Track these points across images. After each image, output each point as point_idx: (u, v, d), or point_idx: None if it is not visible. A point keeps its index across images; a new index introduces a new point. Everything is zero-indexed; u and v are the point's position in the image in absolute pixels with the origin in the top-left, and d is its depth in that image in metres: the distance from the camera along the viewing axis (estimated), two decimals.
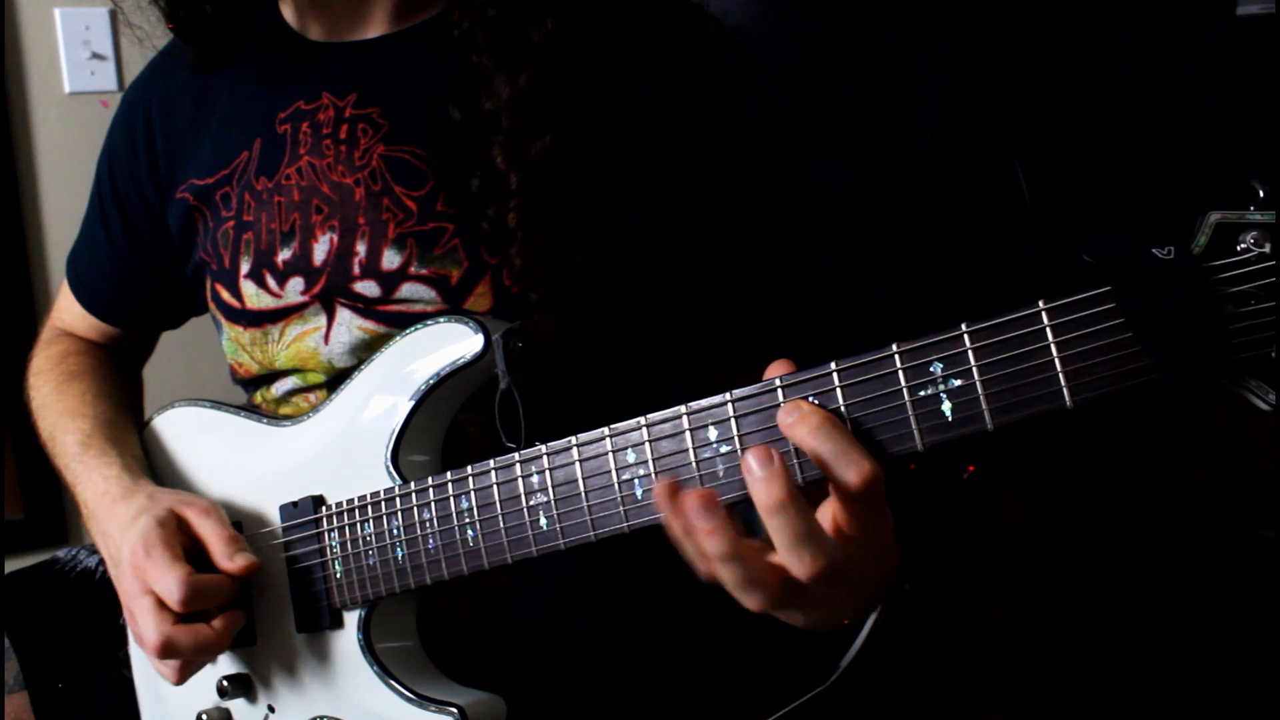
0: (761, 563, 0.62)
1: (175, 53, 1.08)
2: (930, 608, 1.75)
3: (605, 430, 0.71)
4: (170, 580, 0.84)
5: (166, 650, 0.86)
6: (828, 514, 0.63)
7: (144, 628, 0.87)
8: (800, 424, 0.61)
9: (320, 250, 0.93)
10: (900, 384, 0.61)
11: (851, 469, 0.60)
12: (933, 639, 1.78)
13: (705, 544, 0.61)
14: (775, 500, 0.60)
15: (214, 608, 0.87)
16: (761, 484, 0.60)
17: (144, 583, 0.87)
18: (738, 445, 0.65)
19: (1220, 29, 1.57)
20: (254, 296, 0.97)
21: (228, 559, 0.87)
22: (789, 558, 0.60)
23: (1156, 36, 1.64)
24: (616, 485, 0.71)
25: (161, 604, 0.87)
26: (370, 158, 0.92)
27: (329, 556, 0.88)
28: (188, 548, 0.89)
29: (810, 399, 0.63)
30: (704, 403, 0.67)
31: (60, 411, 1.08)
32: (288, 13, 1.02)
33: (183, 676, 0.89)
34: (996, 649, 1.78)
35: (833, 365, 0.63)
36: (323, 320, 0.94)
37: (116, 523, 0.93)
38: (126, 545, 0.89)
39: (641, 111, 0.88)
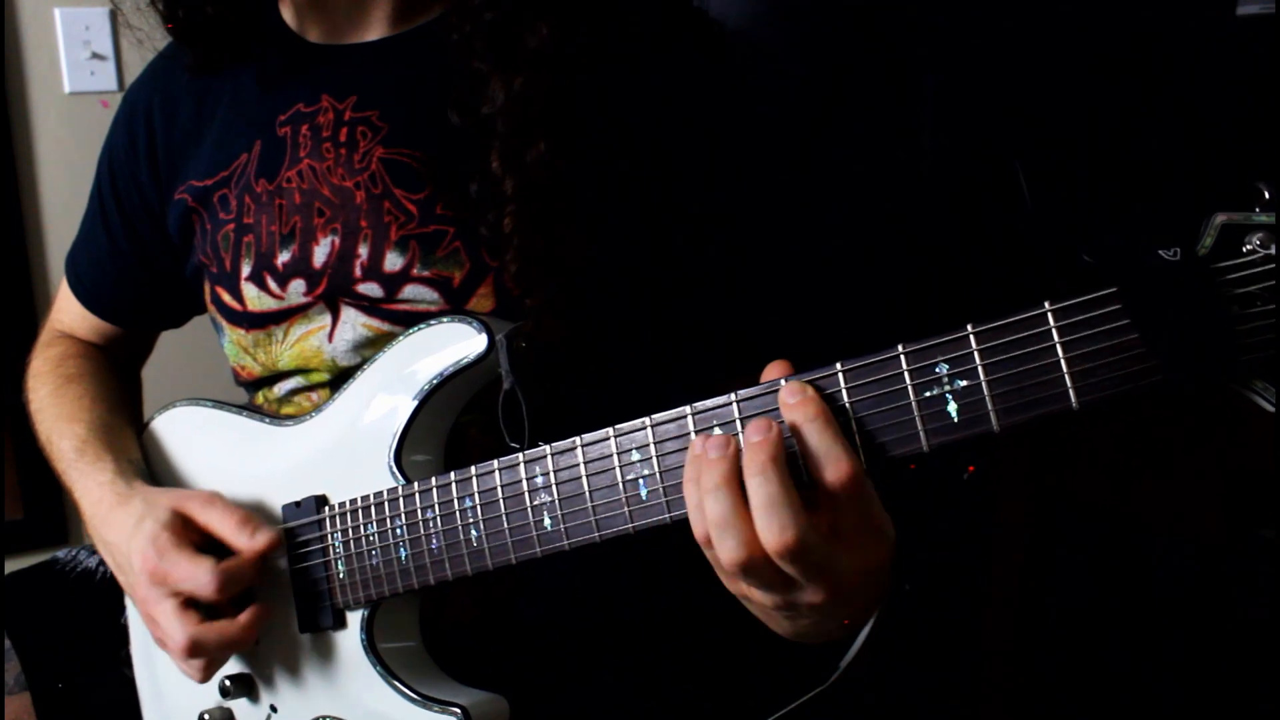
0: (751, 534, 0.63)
1: (175, 54, 1.08)
2: (930, 608, 1.75)
3: (610, 430, 0.71)
4: (199, 575, 0.85)
5: (194, 650, 0.87)
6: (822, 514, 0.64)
7: (169, 630, 0.87)
8: (799, 408, 0.63)
9: (320, 253, 0.93)
10: (906, 384, 0.61)
11: (831, 465, 0.62)
12: (932, 640, 1.77)
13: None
14: (759, 462, 0.62)
15: (241, 594, 0.88)
16: (752, 448, 0.62)
17: (167, 586, 0.87)
18: (742, 445, 0.65)
19: (1220, 29, 1.57)
20: (255, 299, 0.97)
21: (247, 539, 0.87)
22: (761, 523, 0.62)
23: (1157, 36, 1.64)
24: (621, 485, 0.71)
25: (184, 605, 0.87)
26: (369, 160, 0.92)
27: (332, 556, 0.88)
28: (198, 543, 0.89)
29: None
30: (709, 403, 0.67)
31: (57, 415, 1.08)
32: (287, 15, 1.02)
33: (207, 675, 0.90)
34: (996, 649, 1.78)
35: (838, 366, 0.63)
36: (327, 319, 0.94)
37: (116, 530, 0.92)
38: (135, 553, 0.89)
39: (640, 115, 0.88)
